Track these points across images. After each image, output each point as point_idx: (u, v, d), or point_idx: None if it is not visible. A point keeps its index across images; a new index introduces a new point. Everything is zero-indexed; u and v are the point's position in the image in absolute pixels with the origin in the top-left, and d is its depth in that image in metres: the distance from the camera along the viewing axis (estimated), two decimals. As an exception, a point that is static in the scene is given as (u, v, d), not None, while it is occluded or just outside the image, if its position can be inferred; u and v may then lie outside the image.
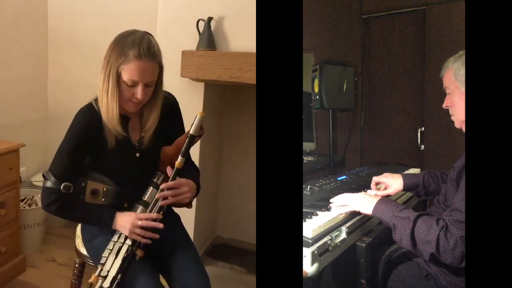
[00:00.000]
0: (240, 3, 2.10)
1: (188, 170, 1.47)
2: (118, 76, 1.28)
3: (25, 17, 2.72)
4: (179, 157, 1.36)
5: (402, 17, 2.54)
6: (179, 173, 1.37)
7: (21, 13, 2.68)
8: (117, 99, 1.30)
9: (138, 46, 1.25)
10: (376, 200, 1.29)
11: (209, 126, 2.41)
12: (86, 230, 1.49)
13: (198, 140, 1.42)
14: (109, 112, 1.31)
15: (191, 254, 1.43)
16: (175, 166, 1.36)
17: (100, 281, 1.28)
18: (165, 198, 1.35)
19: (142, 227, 1.32)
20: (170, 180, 1.36)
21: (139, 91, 1.29)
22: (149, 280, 1.30)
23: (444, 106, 1.36)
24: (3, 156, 2.05)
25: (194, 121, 1.37)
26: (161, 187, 1.36)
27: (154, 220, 1.34)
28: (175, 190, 1.35)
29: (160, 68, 1.34)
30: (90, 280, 1.29)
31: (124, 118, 1.38)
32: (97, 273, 1.30)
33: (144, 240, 1.33)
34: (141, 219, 1.32)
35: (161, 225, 1.33)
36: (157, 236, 1.34)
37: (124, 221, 1.34)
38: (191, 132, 1.37)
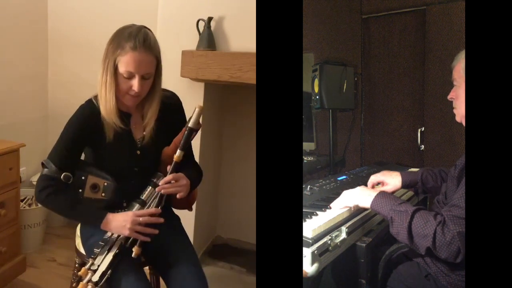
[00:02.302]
0: (240, 3, 2.11)
1: (187, 168, 1.47)
2: (115, 69, 1.30)
3: (25, 17, 2.72)
4: (178, 151, 1.36)
5: (402, 17, 2.54)
6: (178, 167, 1.38)
7: (21, 13, 2.68)
8: (114, 91, 1.32)
9: (134, 38, 1.28)
10: (374, 194, 1.29)
11: (209, 126, 2.42)
12: (84, 230, 1.49)
13: (195, 134, 1.42)
14: (107, 104, 1.33)
15: (190, 258, 1.43)
16: (174, 160, 1.37)
17: (89, 274, 1.28)
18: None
19: (142, 224, 1.32)
20: (168, 173, 1.37)
21: (135, 83, 1.30)
22: (138, 277, 1.31)
23: (448, 97, 1.35)
24: (3, 156, 2.05)
25: (192, 114, 1.37)
26: (160, 183, 1.36)
27: (153, 215, 1.35)
28: (173, 183, 1.36)
29: (158, 61, 1.35)
30: (79, 273, 1.29)
31: (125, 115, 1.39)
32: (87, 266, 1.30)
33: (143, 238, 1.33)
34: (140, 216, 1.33)
35: (161, 220, 1.34)
36: (156, 231, 1.34)
37: (121, 221, 1.33)
38: (189, 125, 1.37)
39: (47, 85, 2.99)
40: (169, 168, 1.37)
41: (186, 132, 1.37)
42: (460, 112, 1.30)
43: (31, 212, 2.51)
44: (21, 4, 2.67)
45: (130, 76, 1.30)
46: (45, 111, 3.00)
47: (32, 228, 2.52)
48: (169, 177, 1.36)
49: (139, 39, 1.28)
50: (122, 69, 1.29)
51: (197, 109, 1.38)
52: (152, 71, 1.34)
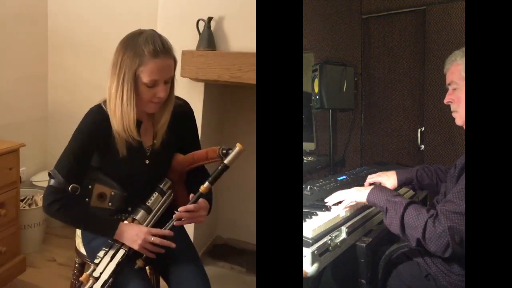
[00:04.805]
0: (240, 3, 2.11)
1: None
2: (136, 80, 1.24)
3: (25, 17, 2.72)
4: (206, 183, 1.31)
5: (402, 17, 2.54)
6: (201, 197, 1.33)
7: (21, 13, 2.68)
8: (134, 104, 1.26)
9: (153, 44, 1.22)
10: (370, 188, 1.31)
11: (209, 126, 2.42)
12: (86, 231, 1.47)
13: None
14: (124, 119, 1.27)
15: (192, 258, 1.42)
16: (200, 190, 1.31)
17: (91, 281, 1.27)
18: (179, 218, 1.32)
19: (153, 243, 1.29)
20: (190, 203, 1.31)
21: (160, 90, 1.26)
22: (141, 285, 1.29)
23: (445, 101, 1.33)
24: (3, 156, 2.04)
25: (232, 152, 1.33)
26: (179, 209, 1.30)
27: (166, 237, 1.31)
28: (193, 213, 1.32)
29: (175, 62, 1.31)
30: (81, 279, 1.28)
31: (136, 122, 1.33)
32: (89, 272, 1.28)
33: (149, 255, 1.31)
34: (154, 235, 1.29)
35: (173, 245, 1.30)
36: (163, 251, 1.31)
37: (133, 235, 1.29)
38: (226, 162, 1.32)
39: (47, 85, 2.99)
40: (192, 196, 1.32)
41: (220, 168, 1.32)
42: (463, 114, 1.28)
43: (31, 212, 2.51)
44: (21, 4, 2.67)
45: (154, 84, 1.25)
46: (45, 111, 3.00)
47: (32, 228, 2.52)
48: (191, 206, 1.30)
49: (158, 45, 1.22)
50: (145, 79, 1.23)
51: (237, 149, 1.33)
52: (173, 74, 1.31)
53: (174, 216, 1.31)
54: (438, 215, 1.11)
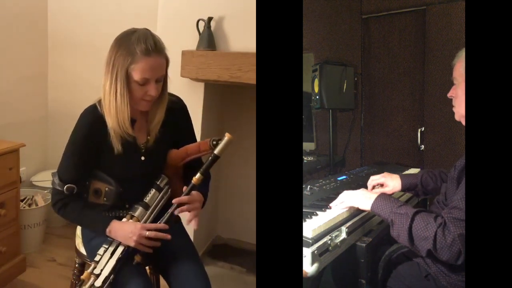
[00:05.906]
0: (240, 3, 2.11)
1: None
2: (128, 77, 1.27)
3: (25, 17, 2.72)
4: (198, 174, 1.34)
5: (402, 17, 2.54)
6: (194, 189, 1.36)
7: (21, 13, 2.68)
8: (127, 101, 1.28)
9: (145, 42, 1.24)
10: (375, 196, 1.29)
11: (209, 126, 2.42)
12: (86, 230, 1.48)
13: None
14: (119, 115, 1.29)
15: (192, 257, 1.42)
16: (192, 182, 1.34)
17: (92, 278, 1.27)
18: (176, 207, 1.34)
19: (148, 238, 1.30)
20: (184, 194, 1.34)
21: (151, 88, 1.28)
22: (141, 283, 1.30)
23: (448, 95, 1.35)
24: (3, 156, 2.05)
25: (221, 142, 1.34)
26: (173, 201, 1.33)
27: (161, 230, 1.32)
28: (188, 205, 1.34)
29: (167, 62, 1.33)
30: (82, 277, 1.29)
31: (130, 121, 1.35)
32: (90, 270, 1.29)
33: (146, 249, 1.32)
34: (148, 230, 1.30)
35: (169, 237, 1.31)
36: (159, 244, 1.32)
37: (128, 232, 1.30)
38: (216, 152, 1.34)
39: (47, 85, 2.99)
40: (185, 189, 1.34)
41: (211, 158, 1.35)
42: (459, 110, 1.30)
43: (31, 212, 2.51)
44: (21, 4, 2.67)
45: (145, 82, 1.27)
46: (45, 111, 3.00)
47: (32, 228, 2.52)
48: (184, 198, 1.33)
49: (150, 44, 1.25)
50: (137, 76, 1.26)
51: (226, 138, 1.34)
52: (164, 73, 1.32)
53: (169, 210, 1.34)
54: (446, 223, 1.10)
